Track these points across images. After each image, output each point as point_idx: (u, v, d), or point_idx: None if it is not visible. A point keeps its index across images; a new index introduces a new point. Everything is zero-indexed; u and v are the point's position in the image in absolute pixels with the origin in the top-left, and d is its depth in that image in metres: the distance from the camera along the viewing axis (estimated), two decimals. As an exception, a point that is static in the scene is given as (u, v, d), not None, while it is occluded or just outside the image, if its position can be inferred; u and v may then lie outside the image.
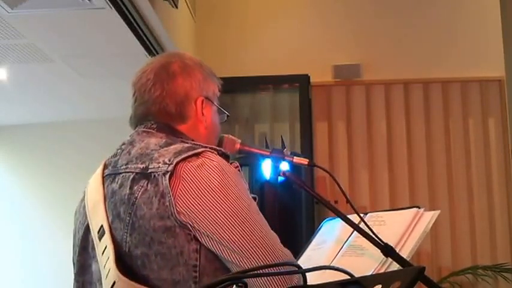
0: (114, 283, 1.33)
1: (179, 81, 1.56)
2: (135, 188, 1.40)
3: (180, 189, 1.36)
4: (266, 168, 1.67)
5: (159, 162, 1.39)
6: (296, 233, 4.00)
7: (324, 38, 4.92)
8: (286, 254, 1.38)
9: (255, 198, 1.49)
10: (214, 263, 1.36)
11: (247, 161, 1.72)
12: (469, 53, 4.83)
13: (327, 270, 1.12)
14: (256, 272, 1.23)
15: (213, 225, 1.34)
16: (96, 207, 1.47)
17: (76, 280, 1.54)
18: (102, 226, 1.43)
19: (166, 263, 1.35)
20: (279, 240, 1.40)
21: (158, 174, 1.38)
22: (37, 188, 5.54)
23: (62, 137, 5.50)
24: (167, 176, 1.36)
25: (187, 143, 1.49)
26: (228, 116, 1.71)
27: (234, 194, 1.37)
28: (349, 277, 0.99)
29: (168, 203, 1.34)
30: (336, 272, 1.04)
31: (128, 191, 1.40)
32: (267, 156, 1.68)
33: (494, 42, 4.83)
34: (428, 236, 4.05)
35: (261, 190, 3.80)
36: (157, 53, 3.82)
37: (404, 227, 1.59)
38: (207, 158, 1.40)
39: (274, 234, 1.41)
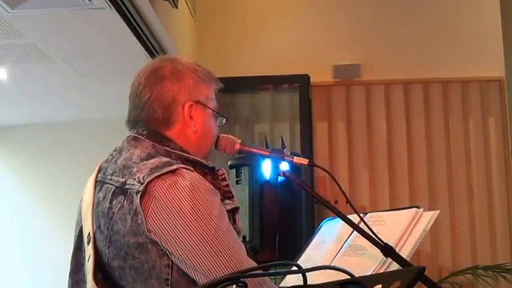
0: None
1: (167, 85, 1.58)
2: (114, 202, 1.45)
3: (152, 208, 1.40)
4: (266, 168, 1.67)
5: (135, 179, 1.44)
6: (296, 233, 3.99)
7: (324, 38, 4.92)
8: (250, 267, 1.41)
9: (237, 209, 1.54)
10: (186, 277, 1.42)
11: (247, 161, 1.72)
12: (469, 53, 4.82)
13: (327, 270, 1.12)
14: (256, 272, 1.23)
15: (179, 246, 1.39)
16: (87, 213, 1.52)
17: (70, 278, 1.58)
18: (89, 233, 1.49)
19: (139, 276, 1.42)
20: (245, 254, 1.44)
21: (133, 192, 1.42)
22: (37, 188, 5.54)
23: (62, 137, 5.50)
24: (139, 195, 1.40)
25: (172, 153, 1.52)
26: (226, 119, 1.71)
27: (202, 214, 1.40)
28: (349, 277, 0.99)
29: (140, 221, 1.39)
30: (336, 271, 1.04)
31: (107, 205, 1.46)
32: (267, 156, 1.68)
33: (494, 42, 4.83)
34: (428, 236, 4.06)
35: (261, 190, 3.80)
36: (158, 53, 3.82)
37: (404, 227, 1.59)
38: (181, 176, 1.42)
39: (240, 249, 1.45)
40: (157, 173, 1.42)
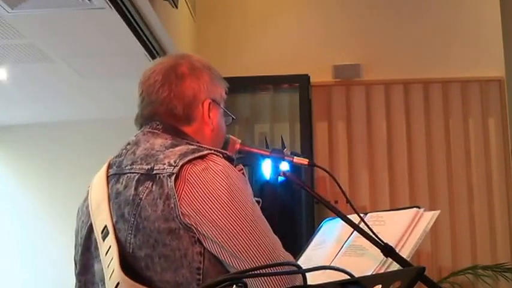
0: (118, 284, 1.33)
1: (187, 82, 1.56)
2: (140, 189, 1.39)
3: (185, 192, 1.36)
4: (266, 168, 1.67)
5: (164, 164, 1.39)
6: (296, 233, 3.99)
7: (324, 38, 4.92)
8: (287, 259, 1.39)
9: (258, 202, 1.49)
10: (217, 266, 1.37)
11: (247, 161, 1.72)
12: (469, 53, 4.83)
13: (327, 270, 1.12)
14: (256, 272, 1.23)
15: (217, 230, 1.34)
16: (100, 207, 1.46)
17: (78, 279, 1.53)
18: (106, 226, 1.42)
19: (169, 265, 1.35)
20: (281, 245, 1.41)
21: (163, 176, 1.37)
22: (37, 188, 5.54)
23: (62, 137, 5.50)
24: (172, 178, 1.36)
25: (192, 145, 1.48)
26: (233, 118, 1.72)
27: (239, 199, 1.37)
28: (349, 277, 0.99)
29: (173, 205, 1.34)
30: (336, 272, 1.04)
31: (132, 192, 1.40)
32: (267, 156, 1.68)
33: (494, 42, 4.83)
34: (428, 236, 4.05)
35: (261, 190, 3.79)
36: (157, 53, 3.82)
37: (404, 227, 1.59)
38: (212, 161, 1.40)
39: (276, 239, 1.41)
40: (189, 157, 1.39)
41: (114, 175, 1.48)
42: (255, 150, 1.71)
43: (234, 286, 0.93)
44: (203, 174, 1.37)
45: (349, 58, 4.86)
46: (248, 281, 0.95)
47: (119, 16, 3.15)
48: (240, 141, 1.71)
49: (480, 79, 4.78)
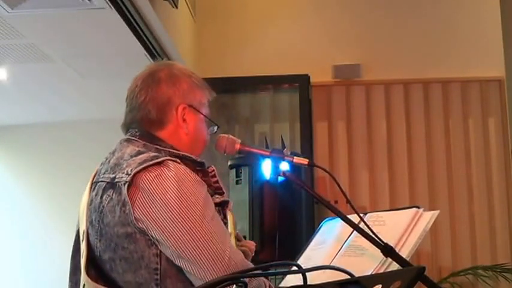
0: (84, 285, 1.49)
1: (163, 87, 1.63)
2: (104, 197, 1.51)
3: (139, 198, 1.45)
4: (266, 168, 1.67)
5: (123, 173, 1.49)
6: (296, 233, 3.99)
7: (324, 38, 4.92)
8: (234, 258, 1.45)
9: (226, 202, 1.58)
10: (175, 265, 1.45)
11: (247, 161, 1.72)
12: (469, 53, 4.82)
13: (327, 270, 1.12)
14: (256, 272, 1.23)
15: (165, 235, 1.43)
16: (83, 213, 1.58)
17: (70, 280, 1.62)
18: (84, 231, 1.55)
19: (129, 266, 1.46)
20: (229, 243, 1.48)
21: (121, 184, 1.47)
22: (37, 188, 5.54)
23: (62, 137, 5.50)
24: (126, 185, 1.46)
25: (160, 151, 1.56)
26: (218, 127, 1.75)
27: (187, 203, 1.44)
28: (349, 277, 0.99)
29: (128, 211, 1.44)
30: (336, 271, 1.04)
31: (99, 200, 1.52)
32: (267, 156, 1.68)
33: (494, 42, 4.83)
34: (428, 236, 4.06)
35: (261, 190, 3.80)
36: (158, 53, 3.82)
37: (404, 227, 1.59)
38: (166, 167, 1.47)
39: (225, 237, 1.48)
40: (144, 165, 1.47)
41: (94, 183, 1.59)
42: (255, 150, 1.71)
43: (234, 286, 0.94)
44: (155, 181, 1.46)
45: (349, 58, 4.86)
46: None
47: (118, 16, 3.15)
48: (240, 141, 1.71)
49: (480, 79, 4.77)
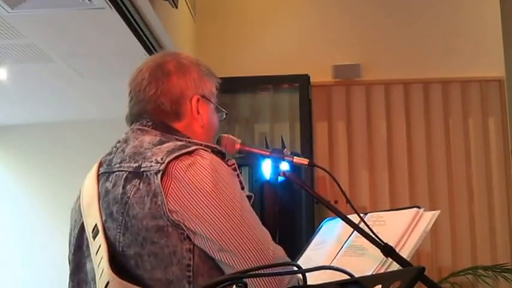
0: (108, 283, 1.34)
1: (174, 80, 1.56)
2: (128, 187, 1.39)
3: (172, 188, 1.35)
4: (266, 168, 1.67)
5: (152, 161, 1.39)
6: (296, 233, 4.00)
7: (324, 38, 4.92)
8: (277, 253, 1.38)
9: (250, 197, 1.49)
10: (208, 262, 1.36)
11: (247, 161, 1.72)
12: (469, 53, 4.83)
13: (327, 270, 1.12)
14: (256, 272, 1.23)
15: (204, 225, 1.34)
16: (91, 206, 1.46)
17: (71, 279, 1.54)
18: (96, 225, 1.42)
19: (159, 262, 1.35)
20: (271, 239, 1.40)
21: (150, 173, 1.37)
22: (37, 188, 5.54)
23: (62, 137, 5.50)
24: (159, 175, 1.36)
25: (181, 140, 1.48)
26: (226, 114, 1.70)
27: (226, 193, 1.37)
28: (349, 277, 0.99)
29: (160, 202, 1.34)
30: (336, 272, 1.04)
31: (121, 190, 1.40)
32: (267, 156, 1.67)
33: (494, 42, 4.83)
34: (428, 236, 4.05)
35: (261, 190, 3.80)
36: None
37: (404, 227, 1.59)
38: (199, 156, 1.40)
39: (266, 232, 1.41)
40: (176, 154, 1.38)
41: (104, 173, 1.48)
42: (255, 150, 1.71)
43: (234, 286, 0.94)
44: (189, 170, 1.37)
45: (349, 58, 4.86)
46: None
47: (118, 16, 3.15)
48: (240, 141, 1.71)
49: (480, 79, 4.78)
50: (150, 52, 3.71)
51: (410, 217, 1.61)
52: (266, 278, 1.30)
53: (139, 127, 1.53)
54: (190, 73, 1.59)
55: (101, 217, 1.42)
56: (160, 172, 1.36)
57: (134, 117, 1.58)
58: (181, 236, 1.35)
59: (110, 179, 1.45)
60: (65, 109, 5.19)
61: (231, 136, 1.71)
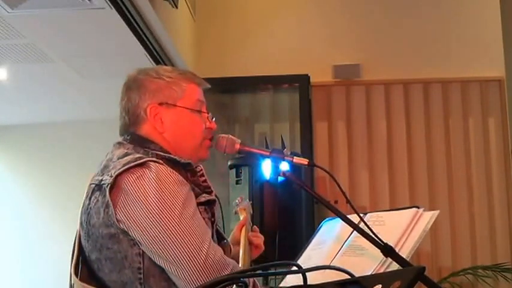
0: (72, 285, 1.55)
1: (130, 94, 1.69)
2: (92, 199, 1.56)
3: (121, 200, 1.49)
4: (266, 168, 1.67)
5: (108, 175, 1.53)
6: (296, 233, 3.99)
7: (324, 38, 4.92)
8: (212, 257, 1.46)
9: (212, 201, 1.61)
10: (158, 265, 1.48)
11: (247, 161, 1.72)
12: (469, 53, 4.82)
13: (327, 270, 1.12)
14: (256, 272, 1.23)
15: (144, 234, 1.47)
16: (79, 215, 1.62)
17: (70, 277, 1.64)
18: (77, 231, 1.61)
19: (114, 266, 1.50)
20: (208, 242, 1.48)
21: (105, 186, 1.51)
22: (37, 188, 5.54)
23: (62, 137, 5.50)
24: (108, 187, 1.50)
25: (148, 152, 1.58)
26: (208, 113, 1.73)
27: (166, 203, 1.47)
28: (349, 277, 0.99)
29: (110, 213, 1.49)
30: (336, 271, 1.04)
31: (87, 202, 1.57)
32: (267, 156, 1.67)
33: (494, 42, 4.83)
34: (428, 236, 4.06)
35: (261, 190, 3.80)
36: (157, 53, 3.82)
37: (403, 227, 1.59)
38: (147, 168, 1.51)
39: (205, 234, 1.50)
40: (127, 166, 1.51)
41: (89, 185, 1.62)
42: (255, 150, 1.71)
43: (234, 286, 0.94)
44: (137, 182, 1.49)
45: (349, 58, 4.86)
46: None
47: (119, 16, 3.15)
48: (239, 141, 1.71)
49: (480, 79, 4.77)
50: (150, 52, 3.71)
51: (409, 217, 1.61)
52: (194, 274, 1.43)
53: (119, 141, 1.67)
54: (144, 86, 1.69)
55: (80, 225, 1.60)
56: (109, 185, 1.50)
57: (120, 133, 1.72)
58: (131, 242, 1.49)
59: (88, 190, 1.60)
60: (65, 109, 5.19)
61: (230, 136, 1.71)
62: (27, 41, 3.52)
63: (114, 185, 1.49)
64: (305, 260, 1.73)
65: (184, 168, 1.60)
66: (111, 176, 1.51)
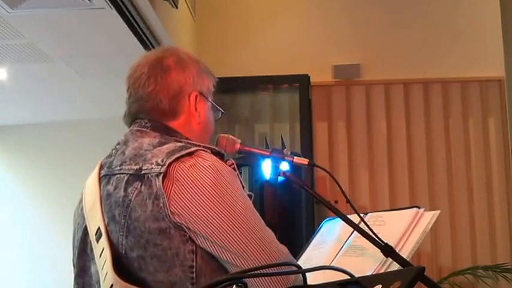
0: (111, 286, 1.34)
1: (173, 75, 1.54)
2: (130, 190, 1.39)
3: (174, 191, 1.35)
4: (266, 168, 1.67)
5: (152, 163, 1.39)
6: (296, 233, 3.99)
7: (324, 38, 4.92)
8: (282, 251, 1.38)
9: (250, 196, 1.48)
10: (211, 263, 1.36)
11: (247, 161, 1.72)
12: (469, 53, 4.82)
13: (327, 270, 1.12)
14: (256, 272, 1.23)
15: (208, 226, 1.33)
16: (93, 209, 1.46)
17: (76, 282, 1.53)
18: (99, 228, 1.42)
19: (162, 265, 1.34)
20: (275, 237, 1.40)
21: (151, 176, 1.37)
22: (37, 188, 5.54)
23: (62, 137, 5.50)
24: (160, 177, 1.36)
25: (180, 141, 1.48)
26: (222, 113, 1.69)
27: (228, 193, 1.37)
28: (349, 277, 0.99)
29: (162, 205, 1.34)
30: (336, 272, 1.04)
31: (122, 193, 1.40)
32: (267, 156, 1.67)
33: (494, 42, 4.83)
34: (428, 236, 4.04)
35: (261, 190, 3.80)
36: (157, 53, 3.81)
37: (404, 227, 1.59)
38: (200, 157, 1.39)
39: (270, 231, 1.41)
40: (176, 155, 1.38)
41: (105, 176, 1.48)
42: (255, 150, 1.71)
43: (234, 286, 0.93)
44: (191, 171, 1.36)
45: (349, 58, 4.86)
46: (247, 281, 0.95)
47: (119, 16, 3.15)
48: (240, 141, 1.71)
49: (480, 79, 4.77)
50: (150, 52, 3.71)
51: (410, 217, 1.61)
52: (271, 277, 1.29)
53: (138, 128, 1.52)
54: (189, 68, 1.57)
55: (103, 220, 1.42)
56: (161, 174, 1.35)
57: (132, 117, 1.56)
58: (184, 238, 1.34)
59: (111, 181, 1.44)
60: (65, 109, 5.19)
61: (230, 136, 1.70)
62: (27, 41, 3.52)
63: (165, 174, 1.35)
64: (305, 260, 1.73)
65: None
66: (159, 165, 1.36)
